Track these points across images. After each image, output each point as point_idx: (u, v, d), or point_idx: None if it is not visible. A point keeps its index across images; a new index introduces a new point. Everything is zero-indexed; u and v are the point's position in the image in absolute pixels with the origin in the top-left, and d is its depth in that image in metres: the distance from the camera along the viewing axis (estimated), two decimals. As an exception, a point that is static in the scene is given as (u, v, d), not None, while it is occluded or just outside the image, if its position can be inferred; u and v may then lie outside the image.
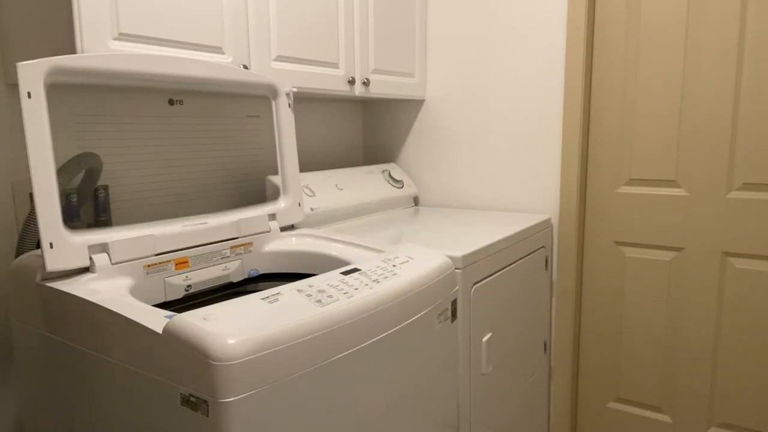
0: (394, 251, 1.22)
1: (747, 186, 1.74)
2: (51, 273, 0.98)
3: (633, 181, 1.92)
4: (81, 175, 1.29)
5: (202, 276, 1.21)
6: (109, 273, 1.03)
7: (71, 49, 1.07)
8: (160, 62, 1.17)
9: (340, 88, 1.76)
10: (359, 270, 1.07)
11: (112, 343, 0.89)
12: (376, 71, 1.91)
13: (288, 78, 1.47)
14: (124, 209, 1.40)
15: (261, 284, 1.32)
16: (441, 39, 2.17)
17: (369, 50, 1.87)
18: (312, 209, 1.71)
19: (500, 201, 2.11)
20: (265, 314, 0.85)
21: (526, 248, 1.77)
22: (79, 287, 0.96)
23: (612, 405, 2.05)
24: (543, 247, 1.90)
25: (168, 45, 1.24)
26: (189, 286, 1.18)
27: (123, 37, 1.16)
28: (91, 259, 1.02)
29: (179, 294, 1.17)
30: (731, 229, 1.77)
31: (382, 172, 2.15)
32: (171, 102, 1.51)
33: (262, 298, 0.90)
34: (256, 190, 1.62)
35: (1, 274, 1.20)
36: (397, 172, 2.20)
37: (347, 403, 0.94)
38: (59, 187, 0.97)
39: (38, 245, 1.03)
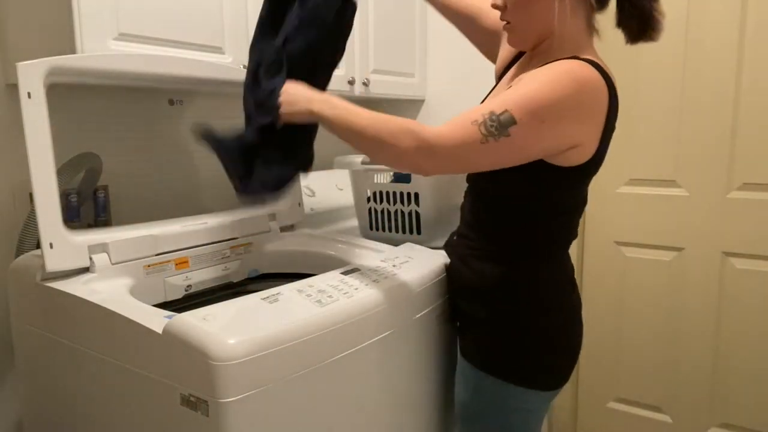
0: (394, 251, 1.22)
1: (747, 186, 1.74)
2: (51, 273, 0.98)
3: (633, 181, 1.92)
4: (81, 175, 1.29)
5: (202, 276, 1.21)
6: (108, 273, 1.03)
7: (71, 49, 1.07)
8: (160, 62, 1.17)
9: (340, 88, 1.76)
10: (359, 270, 1.07)
11: (112, 343, 0.89)
12: (376, 71, 1.91)
13: (288, 78, 1.47)
14: (124, 209, 1.40)
15: (261, 284, 1.32)
16: (441, 39, 2.17)
17: (369, 50, 1.87)
18: (312, 209, 1.71)
19: (500, 201, 2.11)
20: (265, 314, 0.85)
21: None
22: (79, 287, 0.96)
23: (612, 405, 2.05)
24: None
25: (168, 45, 1.24)
26: (189, 286, 1.18)
27: (123, 37, 1.15)
28: (91, 259, 1.02)
29: (179, 294, 1.17)
30: (731, 229, 1.77)
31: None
32: (171, 102, 1.52)
33: (262, 298, 0.90)
34: (256, 190, 1.61)
35: (1, 274, 1.20)
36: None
37: (347, 403, 0.94)
38: (59, 187, 0.97)
39: (38, 245, 1.03)
